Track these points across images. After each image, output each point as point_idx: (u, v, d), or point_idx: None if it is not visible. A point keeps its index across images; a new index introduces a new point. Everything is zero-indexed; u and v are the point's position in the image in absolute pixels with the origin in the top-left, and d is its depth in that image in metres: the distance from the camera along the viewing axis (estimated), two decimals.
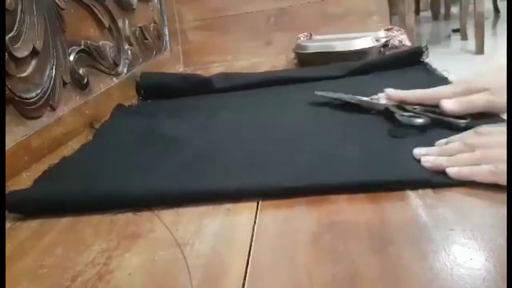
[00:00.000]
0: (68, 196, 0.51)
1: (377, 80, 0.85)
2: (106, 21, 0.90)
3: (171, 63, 1.24)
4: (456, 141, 0.49)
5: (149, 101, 0.95)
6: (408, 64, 0.88)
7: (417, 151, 0.49)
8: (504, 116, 0.57)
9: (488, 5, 3.57)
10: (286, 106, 0.78)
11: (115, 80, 0.90)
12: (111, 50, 0.90)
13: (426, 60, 0.89)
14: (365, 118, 0.66)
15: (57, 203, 0.51)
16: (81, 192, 0.52)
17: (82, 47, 0.80)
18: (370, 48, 1.03)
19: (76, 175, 0.59)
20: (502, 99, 0.56)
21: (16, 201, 0.51)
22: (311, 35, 1.21)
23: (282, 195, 0.46)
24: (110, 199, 0.50)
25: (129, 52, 1.00)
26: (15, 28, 0.61)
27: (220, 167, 0.55)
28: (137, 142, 0.69)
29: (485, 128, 0.49)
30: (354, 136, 0.59)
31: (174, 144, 0.64)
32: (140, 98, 0.95)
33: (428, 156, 0.48)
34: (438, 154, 0.47)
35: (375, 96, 0.66)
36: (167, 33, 1.26)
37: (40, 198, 0.52)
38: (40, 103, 0.65)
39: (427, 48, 0.90)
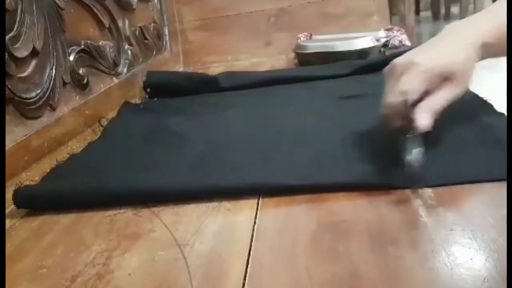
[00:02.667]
0: (75, 191, 0.52)
1: (379, 79, 0.86)
2: (106, 21, 0.90)
3: (171, 63, 1.24)
4: None
5: (155, 99, 0.96)
6: None
7: None
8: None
9: (488, 5, 3.57)
10: (291, 104, 0.78)
11: (115, 80, 0.91)
12: (111, 50, 0.90)
13: None
14: (368, 117, 0.66)
15: (64, 199, 0.51)
16: (89, 188, 0.52)
17: (82, 47, 0.80)
18: (370, 48, 1.03)
19: (84, 172, 0.60)
20: (465, 87, 0.49)
21: (24, 197, 0.51)
22: (311, 35, 1.21)
23: (283, 193, 0.47)
24: (116, 195, 0.50)
25: (129, 52, 1.00)
26: (15, 28, 0.61)
27: (224, 165, 0.56)
28: (144, 139, 0.70)
29: None
30: (356, 135, 0.59)
31: (180, 142, 0.65)
32: (147, 96, 0.96)
33: None
34: None
35: None
36: (167, 33, 1.26)
37: (48, 194, 0.52)
38: (40, 103, 0.65)
39: None
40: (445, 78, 0.48)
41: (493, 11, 0.53)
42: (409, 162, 0.43)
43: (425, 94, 0.48)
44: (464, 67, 0.49)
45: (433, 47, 0.52)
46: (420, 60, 0.49)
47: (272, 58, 1.24)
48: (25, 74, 0.63)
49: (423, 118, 0.47)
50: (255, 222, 0.43)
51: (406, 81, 0.48)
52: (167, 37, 1.26)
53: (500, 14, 0.52)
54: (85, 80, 0.79)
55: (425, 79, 0.48)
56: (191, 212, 0.46)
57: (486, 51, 0.51)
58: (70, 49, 0.76)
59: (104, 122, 0.79)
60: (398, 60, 0.51)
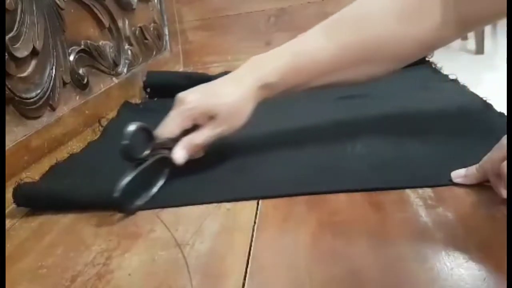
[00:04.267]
0: (75, 192, 0.52)
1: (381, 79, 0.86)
2: (106, 21, 0.90)
3: (171, 63, 1.24)
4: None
5: (155, 99, 0.96)
6: (413, 63, 0.88)
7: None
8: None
9: None
10: (289, 104, 0.78)
11: (115, 80, 0.90)
12: (111, 50, 0.90)
13: (430, 60, 0.89)
14: (367, 117, 0.66)
15: (65, 199, 0.51)
16: (89, 189, 0.52)
17: (82, 47, 0.80)
18: None
19: (83, 172, 0.59)
20: (232, 126, 0.53)
21: (24, 196, 0.51)
22: None
23: (282, 196, 0.47)
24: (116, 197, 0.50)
25: (129, 52, 0.99)
26: (15, 28, 0.61)
27: (223, 167, 0.55)
28: None
29: None
30: (354, 136, 0.58)
31: None
32: (147, 96, 0.96)
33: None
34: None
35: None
36: (167, 33, 1.26)
37: (48, 195, 0.52)
38: (40, 103, 0.65)
39: None
40: (210, 117, 0.53)
41: (280, 50, 0.55)
42: (118, 188, 0.46)
43: (194, 128, 0.54)
44: (231, 109, 0.53)
45: (210, 88, 0.55)
46: (189, 99, 0.53)
47: None
48: (25, 74, 0.63)
49: (178, 153, 0.52)
50: (255, 222, 0.43)
51: (170, 117, 0.54)
52: (167, 37, 1.26)
53: (283, 54, 0.55)
54: (85, 80, 0.79)
55: (188, 117, 0.53)
56: (191, 212, 0.46)
57: (270, 90, 0.54)
58: (70, 49, 0.76)
59: (104, 122, 0.80)
60: (179, 94, 0.55)
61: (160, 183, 0.52)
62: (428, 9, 0.50)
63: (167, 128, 0.53)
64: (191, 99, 0.53)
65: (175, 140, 0.53)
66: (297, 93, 0.56)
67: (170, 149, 0.53)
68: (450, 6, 0.49)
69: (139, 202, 0.49)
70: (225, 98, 0.53)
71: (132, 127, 0.49)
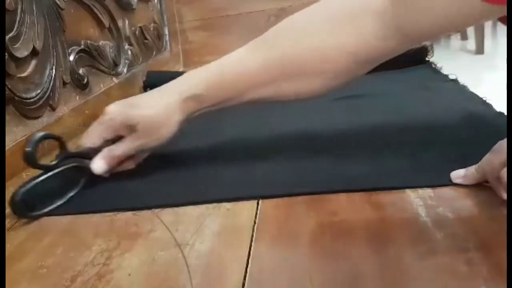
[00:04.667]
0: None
1: (381, 79, 0.86)
2: (106, 21, 0.90)
3: (171, 63, 1.24)
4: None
5: None
6: (413, 63, 0.88)
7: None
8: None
9: None
10: (286, 106, 0.78)
11: (115, 80, 0.91)
12: (111, 50, 0.90)
13: (430, 60, 0.90)
14: (364, 117, 0.66)
15: (64, 203, 0.51)
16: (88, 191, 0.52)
17: (82, 47, 0.80)
18: None
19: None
20: (154, 139, 0.53)
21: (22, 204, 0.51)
22: None
23: (282, 196, 0.47)
24: (110, 200, 0.51)
25: (129, 52, 1.00)
26: (15, 28, 0.61)
27: (223, 168, 0.55)
28: None
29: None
30: (351, 136, 0.58)
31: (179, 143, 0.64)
32: None
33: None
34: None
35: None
36: (167, 33, 1.27)
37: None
38: (40, 103, 0.65)
39: (432, 48, 0.90)
40: (131, 129, 0.52)
41: (212, 64, 0.56)
42: (18, 192, 0.47)
43: (117, 139, 0.54)
44: (151, 120, 0.52)
45: (134, 99, 0.55)
46: (109, 109, 0.53)
47: None
48: (25, 74, 0.63)
49: (96, 163, 0.53)
50: (255, 222, 0.43)
51: (92, 127, 0.54)
52: (167, 37, 1.27)
53: (211, 68, 0.55)
54: (85, 80, 0.79)
55: (107, 127, 0.53)
56: (191, 212, 0.46)
57: (197, 103, 0.54)
58: (70, 49, 0.76)
59: None
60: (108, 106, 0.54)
61: (74, 191, 0.52)
62: (361, 23, 0.48)
63: (89, 137, 0.53)
64: (112, 110, 0.53)
65: (97, 150, 0.53)
66: (232, 107, 0.55)
67: (92, 159, 0.53)
68: (387, 20, 0.47)
69: (46, 209, 0.49)
70: (146, 109, 0.52)
71: (38, 135, 0.49)
